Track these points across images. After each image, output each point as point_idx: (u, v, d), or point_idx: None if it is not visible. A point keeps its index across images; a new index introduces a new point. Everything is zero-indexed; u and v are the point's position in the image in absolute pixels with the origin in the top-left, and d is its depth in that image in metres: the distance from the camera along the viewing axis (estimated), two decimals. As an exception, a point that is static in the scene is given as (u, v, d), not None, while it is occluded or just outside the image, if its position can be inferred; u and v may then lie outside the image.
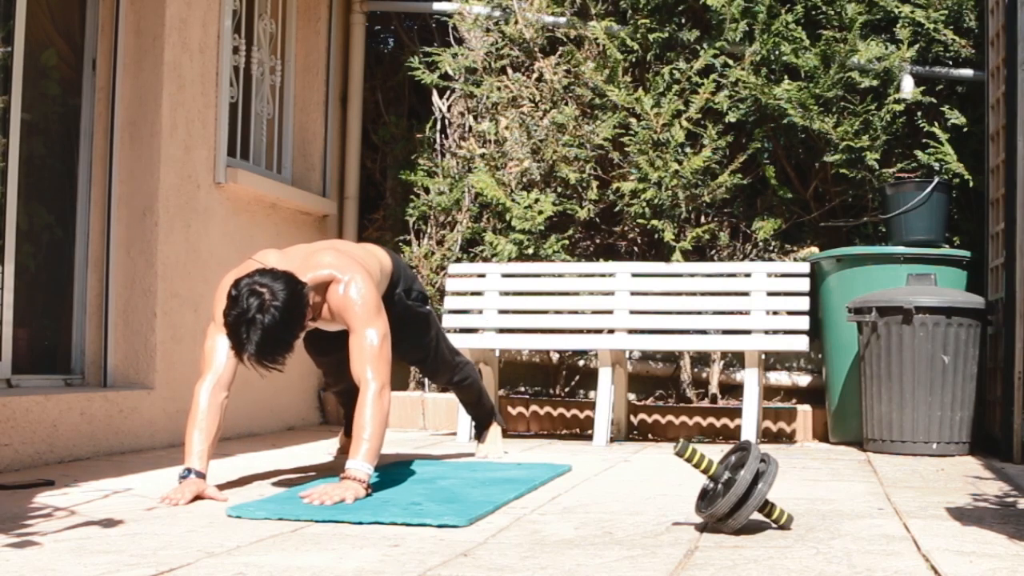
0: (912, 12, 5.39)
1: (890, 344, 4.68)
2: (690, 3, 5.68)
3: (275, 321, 3.01)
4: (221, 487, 3.26)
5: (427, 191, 6.03)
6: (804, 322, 5.10)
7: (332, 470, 3.85)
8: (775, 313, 5.23)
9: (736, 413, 5.42)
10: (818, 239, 5.67)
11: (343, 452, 4.32)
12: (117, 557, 2.29)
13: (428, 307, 4.00)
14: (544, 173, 5.79)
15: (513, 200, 5.73)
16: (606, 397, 5.07)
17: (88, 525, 2.66)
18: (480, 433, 4.47)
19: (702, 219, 5.76)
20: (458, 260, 5.90)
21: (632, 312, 5.35)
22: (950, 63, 5.48)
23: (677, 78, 5.59)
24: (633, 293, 5.39)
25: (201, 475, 3.15)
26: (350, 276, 3.29)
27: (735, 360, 5.77)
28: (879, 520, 2.87)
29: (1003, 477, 3.87)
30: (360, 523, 2.72)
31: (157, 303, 4.50)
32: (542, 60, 5.88)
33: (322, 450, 4.59)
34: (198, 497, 3.10)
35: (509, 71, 5.94)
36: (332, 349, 3.77)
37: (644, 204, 5.56)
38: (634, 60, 5.75)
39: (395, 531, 2.63)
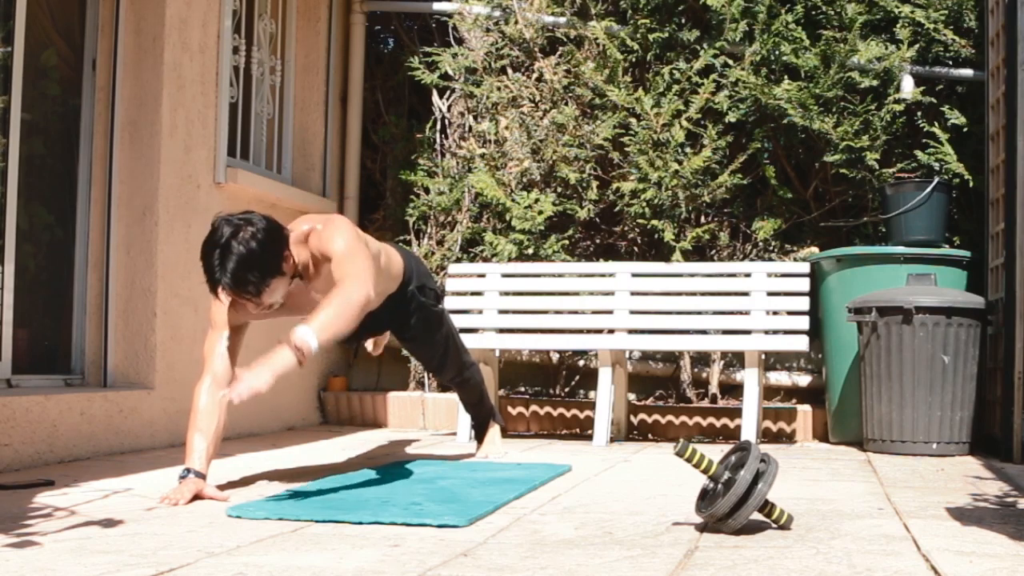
0: (912, 12, 5.39)
1: (890, 344, 4.68)
2: (690, 3, 5.68)
3: (250, 250, 2.99)
4: (221, 487, 3.26)
5: (427, 191, 6.03)
6: (804, 322, 5.10)
7: (332, 470, 3.85)
8: (775, 313, 5.23)
9: (736, 413, 5.42)
10: (818, 239, 5.66)
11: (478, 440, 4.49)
12: (117, 557, 2.29)
13: (441, 306, 4.00)
14: (544, 173, 5.79)
15: (513, 200, 5.73)
16: (606, 397, 5.07)
17: (88, 525, 2.66)
18: (480, 434, 4.48)
19: (702, 219, 5.76)
20: (458, 260, 5.90)
21: (632, 312, 5.34)
22: (950, 63, 5.48)
23: (677, 78, 5.59)
24: (633, 293, 5.39)
25: (200, 475, 3.15)
26: (327, 218, 3.32)
27: (735, 360, 5.77)
28: (879, 520, 2.87)
29: (1003, 477, 3.87)
30: (360, 523, 2.72)
31: (157, 303, 4.50)
32: (542, 60, 5.88)
33: (322, 450, 4.59)
34: (197, 497, 3.10)
35: (509, 71, 5.94)
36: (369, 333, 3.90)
37: (644, 204, 5.56)
38: (634, 60, 5.75)
39: (395, 531, 2.63)
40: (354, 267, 3.17)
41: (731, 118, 5.52)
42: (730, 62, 5.55)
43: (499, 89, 5.88)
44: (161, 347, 4.52)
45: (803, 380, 5.68)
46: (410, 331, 3.91)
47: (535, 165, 5.78)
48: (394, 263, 3.71)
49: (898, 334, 4.66)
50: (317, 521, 2.75)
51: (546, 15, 5.88)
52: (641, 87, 5.66)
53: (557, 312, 5.56)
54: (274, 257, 3.09)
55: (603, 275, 5.48)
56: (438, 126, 6.14)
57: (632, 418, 5.61)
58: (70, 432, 3.97)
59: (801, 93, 5.35)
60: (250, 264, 3.01)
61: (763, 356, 5.13)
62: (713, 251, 5.79)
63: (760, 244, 5.71)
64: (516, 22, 5.87)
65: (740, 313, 5.28)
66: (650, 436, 5.57)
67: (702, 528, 2.70)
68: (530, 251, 5.70)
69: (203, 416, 3.23)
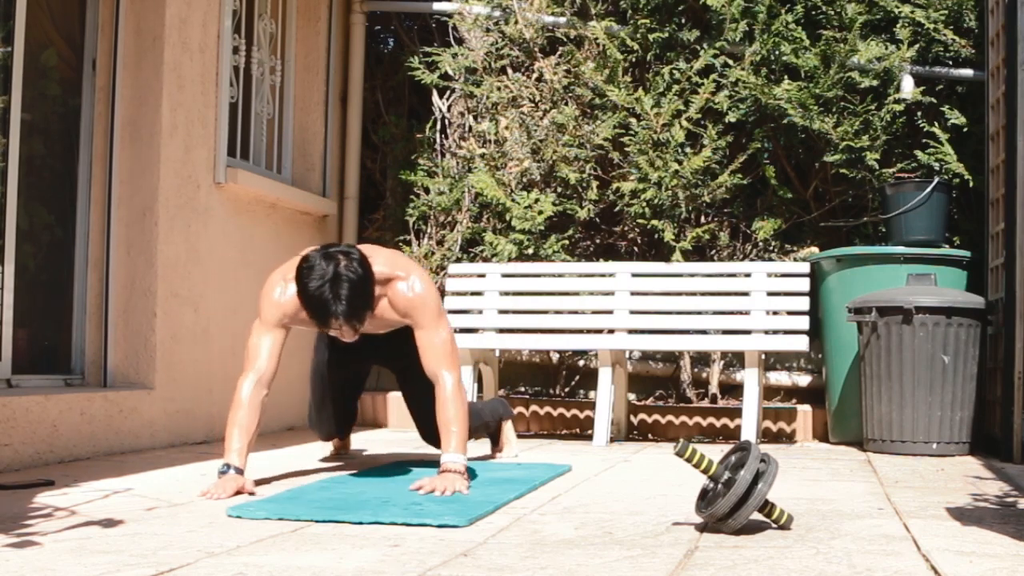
0: (912, 12, 5.39)
1: (890, 344, 4.68)
2: (690, 3, 5.68)
3: (359, 276, 3.04)
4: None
5: (427, 191, 6.03)
6: (804, 322, 5.10)
7: (332, 470, 3.85)
8: (775, 313, 5.23)
9: (736, 413, 5.42)
10: (818, 239, 5.66)
11: (337, 453, 4.33)
12: (117, 557, 2.29)
13: None
14: (544, 173, 5.79)
15: (513, 200, 5.73)
16: (606, 397, 5.07)
17: (88, 525, 2.66)
18: (494, 443, 4.44)
19: (702, 219, 5.76)
20: (458, 260, 5.90)
21: (632, 312, 5.34)
22: (950, 63, 5.48)
23: (677, 78, 5.59)
24: (633, 293, 5.39)
25: (240, 471, 3.19)
26: (413, 275, 3.33)
27: (735, 360, 5.77)
28: (879, 520, 2.87)
29: (1003, 477, 3.87)
30: (360, 523, 2.72)
31: (157, 303, 4.50)
32: (542, 60, 5.88)
33: (322, 450, 4.58)
34: (238, 492, 3.12)
35: (509, 71, 5.94)
36: (353, 362, 3.81)
37: (644, 204, 5.56)
38: (634, 60, 5.75)
39: (395, 531, 2.63)
40: (445, 347, 3.32)
41: (731, 118, 5.52)
42: (730, 62, 5.55)
43: (499, 89, 5.88)
44: (161, 347, 4.52)
45: (803, 380, 5.68)
46: (405, 359, 3.67)
47: (535, 165, 5.78)
48: None
49: (898, 334, 4.66)
50: (317, 521, 2.75)
51: (546, 15, 5.88)
52: (641, 87, 5.66)
53: (557, 312, 5.56)
54: (372, 285, 3.14)
55: (603, 275, 5.48)
56: (438, 126, 6.14)
57: (632, 418, 5.61)
58: (70, 432, 3.97)
59: (801, 93, 5.35)
60: (361, 291, 3.06)
61: (763, 356, 5.13)
62: (713, 251, 5.79)
63: (760, 244, 5.71)
64: (516, 22, 5.87)
65: (740, 313, 5.28)
66: (650, 436, 5.57)
67: (702, 528, 2.70)
68: (530, 251, 5.70)
69: (244, 412, 3.26)
